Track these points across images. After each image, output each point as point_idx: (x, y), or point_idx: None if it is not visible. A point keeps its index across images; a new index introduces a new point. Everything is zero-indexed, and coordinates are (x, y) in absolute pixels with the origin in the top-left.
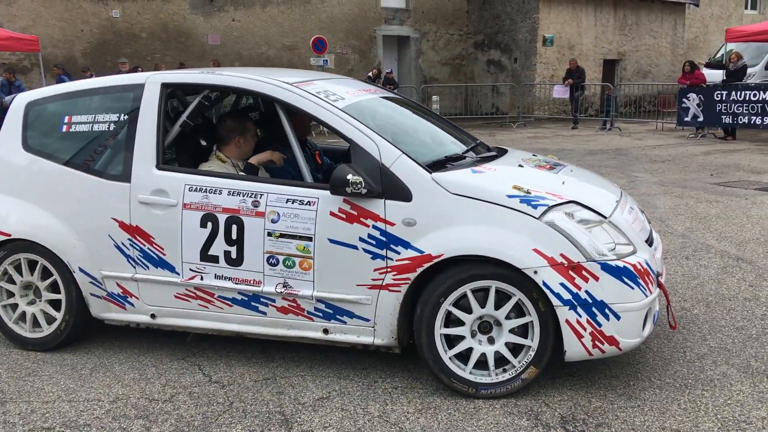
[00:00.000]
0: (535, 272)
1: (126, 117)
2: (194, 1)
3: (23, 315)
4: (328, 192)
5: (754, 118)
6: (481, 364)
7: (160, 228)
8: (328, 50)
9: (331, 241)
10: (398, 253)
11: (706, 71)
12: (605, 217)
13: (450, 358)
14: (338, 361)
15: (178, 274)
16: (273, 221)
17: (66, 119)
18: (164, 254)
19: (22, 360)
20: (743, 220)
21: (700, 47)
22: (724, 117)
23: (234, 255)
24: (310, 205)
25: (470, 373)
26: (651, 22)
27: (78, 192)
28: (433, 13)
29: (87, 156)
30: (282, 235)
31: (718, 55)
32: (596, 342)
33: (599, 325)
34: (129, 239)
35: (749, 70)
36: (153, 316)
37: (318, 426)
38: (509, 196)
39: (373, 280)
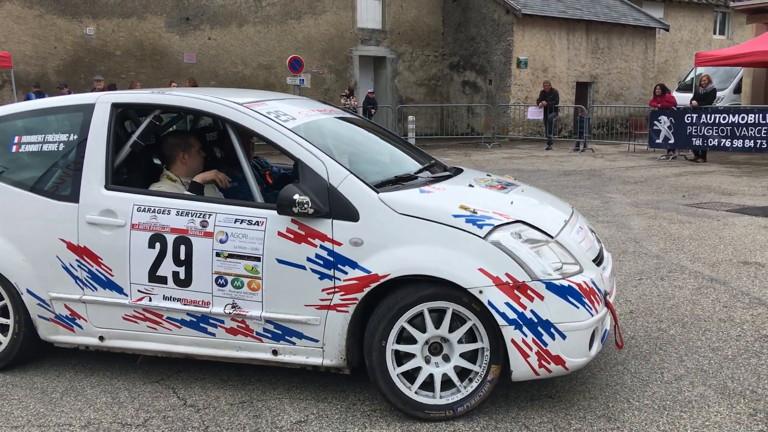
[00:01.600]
0: (481, 292)
1: (75, 137)
2: (170, 20)
3: None
4: (276, 212)
5: (723, 140)
6: (447, 383)
7: (108, 248)
8: (304, 70)
9: (280, 261)
10: (345, 273)
11: (676, 94)
12: (552, 237)
13: (416, 392)
14: (316, 383)
15: (126, 295)
16: (221, 241)
17: (16, 139)
18: (112, 275)
19: None
20: (716, 241)
21: (670, 71)
22: (694, 139)
23: (182, 276)
24: (258, 225)
25: (441, 397)
26: (622, 45)
27: (26, 212)
28: (408, 35)
29: (36, 176)
30: (230, 256)
31: (688, 78)
32: (542, 361)
33: (545, 344)
34: (77, 260)
35: (718, 94)
36: (101, 338)
37: None
38: (455, 216)
39: (321, 300)
